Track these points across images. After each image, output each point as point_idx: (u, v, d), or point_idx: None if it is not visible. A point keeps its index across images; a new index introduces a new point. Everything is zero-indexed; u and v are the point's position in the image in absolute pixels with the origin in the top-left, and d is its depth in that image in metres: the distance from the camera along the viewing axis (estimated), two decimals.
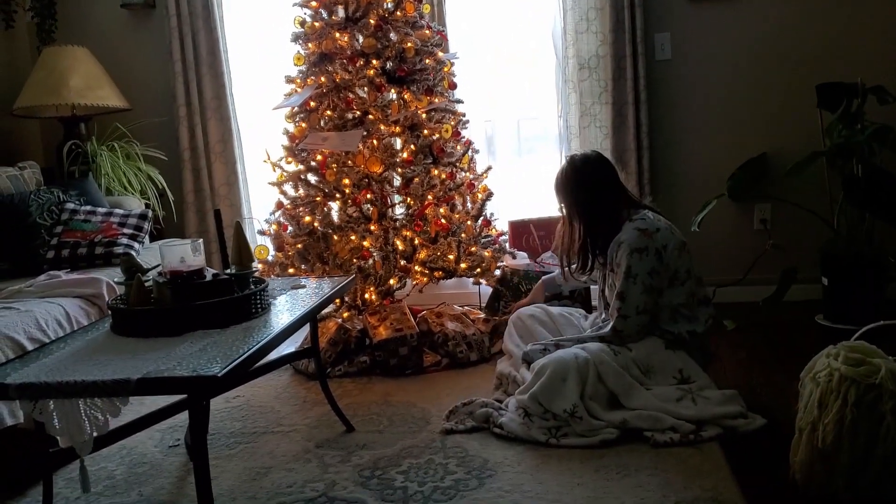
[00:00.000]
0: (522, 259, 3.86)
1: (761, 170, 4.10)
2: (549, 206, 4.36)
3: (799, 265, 3.79)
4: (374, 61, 3.55)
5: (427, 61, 3.66)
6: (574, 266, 2.94)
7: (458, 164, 3.71)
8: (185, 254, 2.20)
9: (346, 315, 3.63)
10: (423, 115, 3.62)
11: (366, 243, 3.49)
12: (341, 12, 3.66)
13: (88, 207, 3.80)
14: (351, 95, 3.57)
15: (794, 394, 2.25)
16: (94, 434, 2.02)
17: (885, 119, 3.63)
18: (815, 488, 2.09)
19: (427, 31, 3.69)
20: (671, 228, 2.77)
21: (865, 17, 3.97)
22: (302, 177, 3.69)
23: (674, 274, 2.72)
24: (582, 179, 2.85)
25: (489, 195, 3.81)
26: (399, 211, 3.68)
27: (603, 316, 2.95)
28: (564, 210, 2.93)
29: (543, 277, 3.38)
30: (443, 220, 3.55)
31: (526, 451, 2.50)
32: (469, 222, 3.69)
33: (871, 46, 3.96)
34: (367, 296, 3.57)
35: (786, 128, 4.09)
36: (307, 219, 3.60)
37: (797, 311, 3.91)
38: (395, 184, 3.65)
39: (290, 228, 3.68)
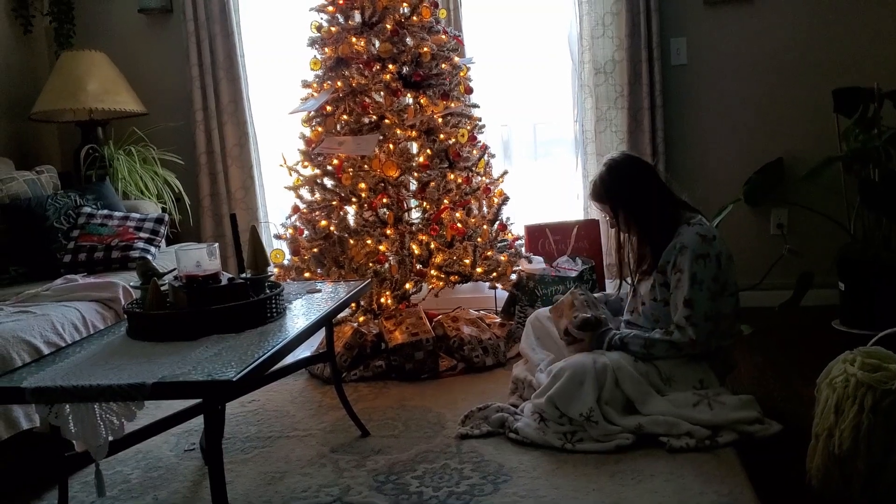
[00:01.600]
0: (538, 263, 3.85)
1: (778, 175, 4.08)
2: (564, 210, 4.37)
3: (816, 270, 3.77)
4: (391, 66, 3.56)
5: (443, 66, 3.66)
6: (644, 267, 2.83)
7: (474, 169, 3.71)
8: (201, 258, 2.21)
9: (361, 319, 3.63)
10: (439, 120, 3.62)
11: (382, 247, 3.49)
12: (358, 17, 3.67)
13: (105, 211, 3.82)
14: (367, 100, 3.58)
15: (811, 399, 2.24)
16: (110, 438, 2.03)
17: None
18: (831, 494, 2.07)
19: (443, 36, 3.70)
20: (722, 238, 2.74)
21: (882, 21, 3.95)
22: (318, 181, 3.69)
23: (724, 284, 2.69)
24: (627, 180, 2.78)
25: (505, 199, 3.81)
26: (415, 215, 3.69)
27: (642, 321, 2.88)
28: (618, 218, 2.81)
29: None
30: (459, 225, 3.55)
31: (541, 456, 2.50)
32: (485, 226, 3.69)
33: (888, 51, 3.93)
34: (382, 300, 3.58)
35: (802, 133, 4.07)
36: (323, 223, 3.60)
37: (814, 315, 3.89)
38: (411, 188, 3.66)
39: (305, 232, 3.69)
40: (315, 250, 3.61)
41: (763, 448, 2.44)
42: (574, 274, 3.74)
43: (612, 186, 2.80)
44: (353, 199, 3.57)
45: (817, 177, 3.72)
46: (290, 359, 2.74)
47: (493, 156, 3.90)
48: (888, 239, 3.68)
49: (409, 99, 3.63)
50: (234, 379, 1.70)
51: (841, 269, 3.73)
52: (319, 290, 2.69)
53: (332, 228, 3.58)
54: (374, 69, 3.56)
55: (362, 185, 3.53)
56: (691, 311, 2.60)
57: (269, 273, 2.41)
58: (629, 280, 2.93)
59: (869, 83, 3.64)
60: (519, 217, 4.09)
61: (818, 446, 2.11)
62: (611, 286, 4.05)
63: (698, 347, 2.64)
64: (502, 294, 3.89)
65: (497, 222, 3.77)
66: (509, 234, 3.85)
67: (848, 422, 2.01)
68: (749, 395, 2.65)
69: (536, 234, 4.14)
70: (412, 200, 3.67)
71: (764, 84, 4.12)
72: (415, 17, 3.62)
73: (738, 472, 2.28)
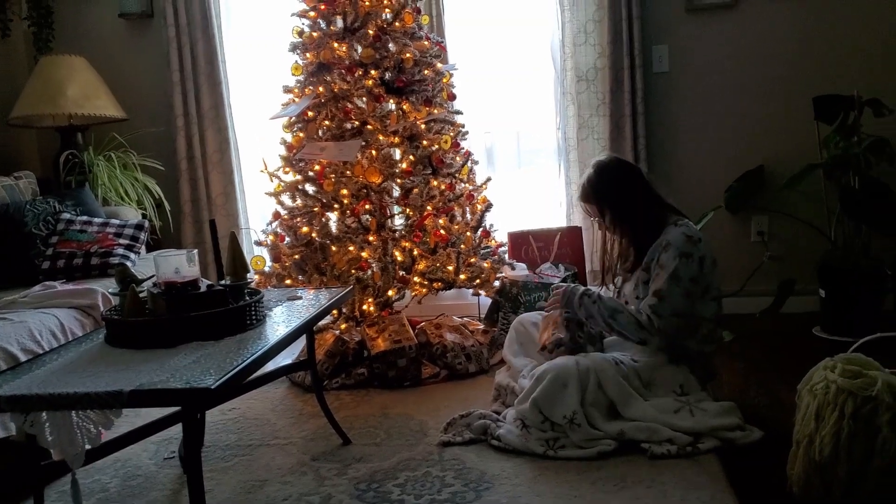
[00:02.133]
0: (521, 270, 3.85)
1: (758, 182, 4.10)
2: (548, 217, 4.38)
3: (796, 277, 3.79)
4: (373, 71, 3.55)
5: (426, 72, 3.66)
6: (627, 265, 2.85)
7: (457, 175, 3.70)
8: (180, 264, 2.19)
9: (343, 326, 3.61)
10: (422, 126, 3.61)
11: (364, 254, 3.48)
12: (340, 23, 3.66)
13: (84, 218, 3.79)
14: (349, 105, 3.57)
15: (792, 406, 2.25)
16: (87, 446, 2.00)
17: (882, 131, 3.64)
18: (812, 501, 2.08)
19: (426, 42, 3.69)
20: (708, 242, 2.76)
21: (862, 30, 3.98)
22: (299, 187, 3.68)
23: (706, 287, 2.71)
24: (614, 182, 2.83)
25: (488, 206, 3.80)
26: (398, 222, 3.67)
27: None
28: (605, 219, 2.85)
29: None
30: (442, 231, 3.54)
31: (523, 463, 2.49)
32: (468, 233, 3.68)
33: (868, 59, 3.97)
34: (365, 307, 3.56)
35: (783, 140, 4.09)
36: (305, 229, 3.59)
37: (795, 322, 3.91)
38: (394, 194, 3.64)
39: (287, 239, 3.67)
40: (296, 257, 3.59)
41: (744, 454, 2.45)
42: (557, 280, 3.73)
43: (599, 187, 2.84)
44: (335, 206, 3.56)
45: (798, 184, 3.75)
46: (270, 366, 2.73)
47: (476, 162, 3.89)
48: (868, 246, 3.71)
49: (391, 105, 3.62)
50: (213, 387, 1.69)
51: (821, 276, 3.75)
52: (300, 297, 2.68)
53: (313, 235, 3.57)
54: (356, 75, 3.55)
55: (344, 192, 3.52)
56: (659, 301, 2.62)
57: (249, 280, 2.40)
58: (611, 285, 2.95)
59: (849, 91, 3.67)
60: (502, 224, 4.09)
61: (799, 453, 2.12)
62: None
63: (658, 339, 2.66)
64: (486, 301, 3.88)
65: (480, 229, 3.77)
66: (493, 241, 3.85)
67: (828, 428, 2.02)
68: (730, 402, 2.66)
69: (520, 241, 4.14)
70: (395, 207, 3.66)
71: (745, 91, 4.14)
72: (397, 23, 3.62)
73: (719, 479, 2.28)
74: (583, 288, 2.80)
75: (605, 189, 2.83)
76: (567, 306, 2.78)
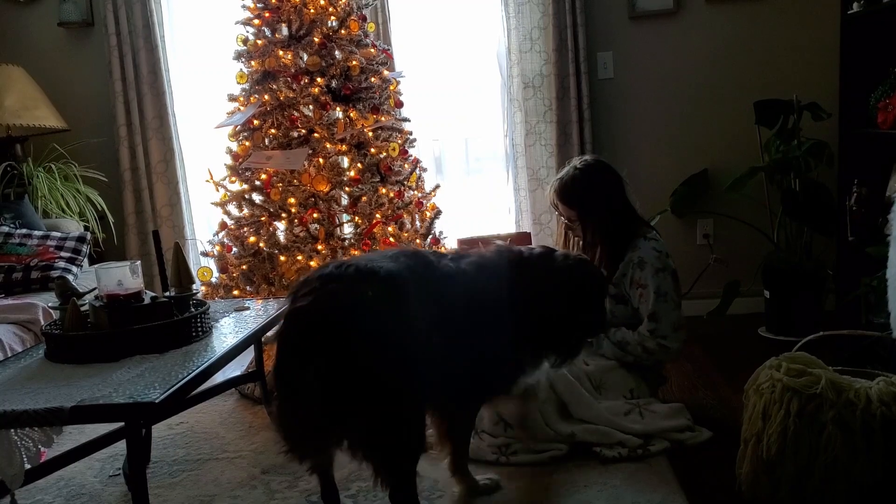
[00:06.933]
0: None
1: (703, 185, 4.16)
2: (497, 223, 4.39)
3: (742, 278, 3.85)
4: (319, 79, 3.52)
5: (373, 80, 3.65)
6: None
7: (405, 183, 3.69)
8: (123, 276, 2.15)
9: None
10: (370, 134, 3.60)
11: (313, 263, 3.44)
12: (285, 30, 3.63)
13: (24, 231, 3.70)
14: (295, 114, 3.54)
15: (739, 406, 2.29)
16: (27, 466, 1.95)
17: (820, 135, 3.73)
18: (760, 499, 2.11)
19: (372, 50, 3.68)
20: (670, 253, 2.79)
21: (800, 36, 4.07)
22: (246, 196, 3.63)
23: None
24: (599, 185, 2.80)
25: (437, 213, 3.80)
26: (347, 230, 3.64)
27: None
28: (584, 222, 2.81)
29: None
30: (391, 239, 3.53)
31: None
32: (418, 241, 3.67)
33: (806, 64, 4.05)
34: None
35: (726, 144, 4.16)
36: (252, 239, 3.54)
37: (741, 323, 3.97)
38: (342, 203, 3.62)
39: (234, 249, 3.62)
40: (244, 267, 3.54)
41: (694, 455, 2.48)
42: None
43: (582, 188, 2.78)
44: (283, 215, 3.52)
45: (741, 187, 3.82)
46: (219, 378, 2.68)
47: (424, 170, 3.89)
48: (810, 247, 3.79)
49: (338, 112, 3.60)
50: (158, 400, 1.66)
51: (765, 278, 3.82)
52: (248, 308, 2.64)
53: (261, 245, 3.52)
54: (302, 82, 3.52)
55: (292, 200, 3.48)
56: (657, 324, 2.66)
57: (195, 291, 2.36)
58: None
59: (788, 95, 3.75)
60: (452, 231, 4.09)
61: (747, 451, 2.15)
62: None
63: (673, 356, 2.74)
64: None
65: (430, 236, 3.76)
66: (442, 248, 3.84)
67: (775, 426, 2.05)
68: (679, 403, 2.69)
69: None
70: (344, 215, 3.63)
71: (688, 96, 4.20)
72: (343, 31, 3.60)
73: (669, 480, 2.30)
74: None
75: (588, 191, 2.77)
76: None
